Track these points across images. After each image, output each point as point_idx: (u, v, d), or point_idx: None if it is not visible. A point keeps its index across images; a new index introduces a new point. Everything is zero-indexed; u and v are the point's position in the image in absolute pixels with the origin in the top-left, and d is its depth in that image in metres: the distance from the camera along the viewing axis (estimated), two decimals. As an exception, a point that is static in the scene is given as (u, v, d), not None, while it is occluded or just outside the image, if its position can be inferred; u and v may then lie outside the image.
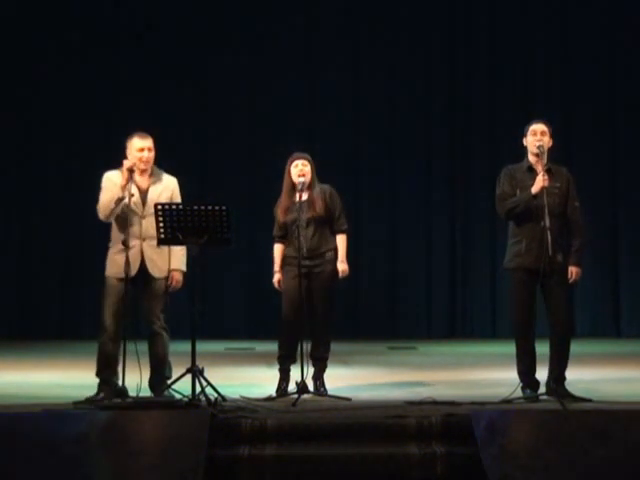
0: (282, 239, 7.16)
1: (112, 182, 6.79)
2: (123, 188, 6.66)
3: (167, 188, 6.89)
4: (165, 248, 6.76)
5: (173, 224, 6.49)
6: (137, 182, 6.76)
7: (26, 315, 12.01)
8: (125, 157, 6.83)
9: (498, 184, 6.90)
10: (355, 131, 12.32)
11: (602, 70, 12.25)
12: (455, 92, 12.39)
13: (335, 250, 7.11)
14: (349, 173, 12.12)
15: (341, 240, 7.14)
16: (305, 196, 7.08)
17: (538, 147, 6.75)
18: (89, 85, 12.13)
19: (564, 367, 6.72)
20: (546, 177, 6.60)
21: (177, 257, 6.84)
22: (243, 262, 11.85)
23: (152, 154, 6.81)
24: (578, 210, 6.85)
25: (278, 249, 7.18)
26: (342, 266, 7.10)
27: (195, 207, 6.54)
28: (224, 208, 6.52)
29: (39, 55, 12.12)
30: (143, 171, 6.80)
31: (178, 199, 6.92)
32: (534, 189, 6.63)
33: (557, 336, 6.69)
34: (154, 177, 6.87)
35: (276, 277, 7.14)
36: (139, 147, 6.79)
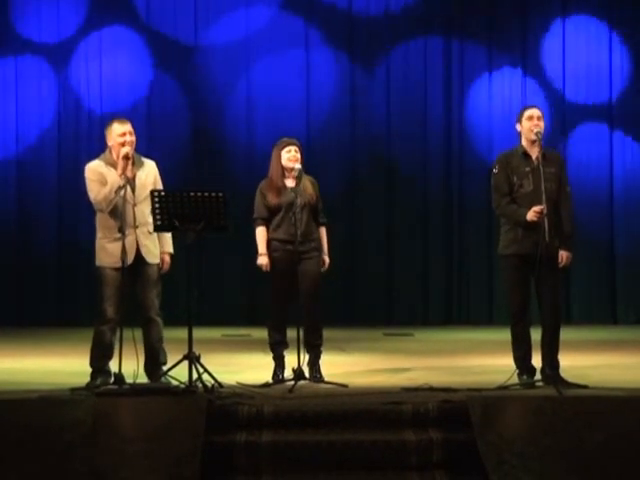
0: (266, 221, 7.14)
1: (98, 173, 6.78)
2: (121, 176, 6.66)
3: (150, 173, 6.91)
4: (155, 234, 6.79)
5: (169, 210, 6.49)
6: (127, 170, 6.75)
7: (23, 302, 11.99)
8: (105, 146, 6.83)
9: (493, 174, 6.90)
10: (351, 119, 12.28)
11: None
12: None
13: (318, 240, 7.13)
14: (346, 160, 12.10)
15: (324, 233, 7.19)
16: (296, 182, 7.07)
17: (536, 133, 6.74)
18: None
19: (557, 352, 6.74)
20: (540, 209, 6.55)
21: (166, 240, 6.91)
22: (241, 248, 11.82)
23: (134, 138, 6.80)
24: (569, 196, 6.87)
25: (263, 231, 7.12)
26: (326, 259, 7.16)
27: (192, 193, 6.54)
28: (220, 194, 6.52)
29: None
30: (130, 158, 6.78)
31: (159, 182, 6.96)
32: (528, 216, 6.61)
33: (550, 322, 6.71)
34: (137, 163, 6.86)
35: (264, 259, 7.11)
36: (120, 132, 6.77)
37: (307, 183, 7.14)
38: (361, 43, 12.19)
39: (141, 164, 6.87)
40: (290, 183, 7.07)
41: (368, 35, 12.17)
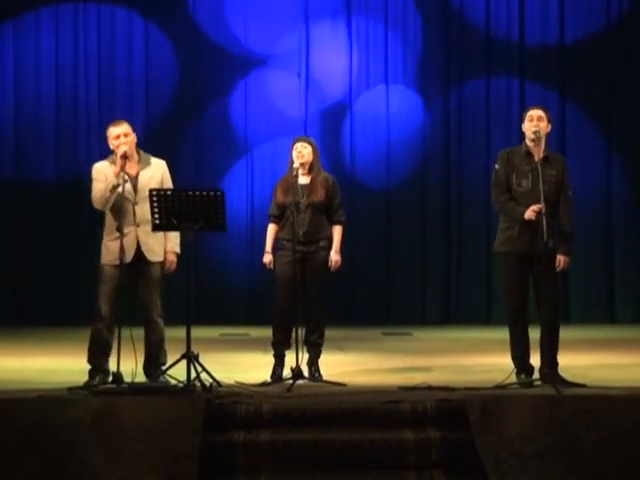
0: (277, 219, 7.15)
1: (102, 173, 6.79)
2: (117, 175, 6.66)
3: (156, 172, 6.88)
4: (161, 232, 6.77)
5: (168, 209, 6.49)
6: (126, 169, 6.75)
7: (22, 301, 11.98)
8: (110, 147, 6.86)
9: (494, 169, 6.92)
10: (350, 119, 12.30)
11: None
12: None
13: (329, 239, 7.12)
14: (343, 162, 12.10)
15: (338, 231, 7.15)
16: (306, 180, 7.08)
17: (534, 132, 6.75)
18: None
19: (556, 352, 6.74)
20: (539, 208, 6.56)
21: (171, 239, 6.86)
22: (241, 247, 11.83)
23: (130, 138, 6.78)
24: (571, 200, 6.87)
25: (272, 229, 7.16)
26: (336, 256, 7.12)
27: (190, 192, 6.55)
28: (219, 193, 6.53)
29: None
30: (129, 157, 6.77)
31: (169, 181, 6.92)
32: (526, 215, 6.62)
33: (548, 320, 6.71)
34: (142, 162, 6.86)
35: (267, 257, 7.13)
36: (114, 135, 6.78)
37: (319, 181, 7.11)
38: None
39: (148, 163, 6.87)
40: (301, 181, 7.07)
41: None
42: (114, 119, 7.04)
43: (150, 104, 12.08)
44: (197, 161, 12.05)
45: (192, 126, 12.13)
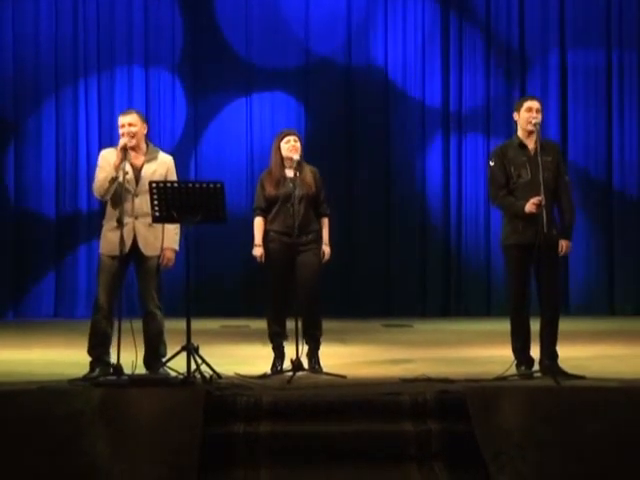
0: (264, 212, 7.14)
1: (107, 160, 6.79)
2: (116, 167, 6.66)
3: (161, 166, 6.86)
4: (159, 226, 6.75)
5: (168, 202, 6.48)
6: (131, 160, 6.75)
7: (21, 294, 11.99)
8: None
9: (489, 166, 6.92)
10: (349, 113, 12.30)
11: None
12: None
13: (319, 231, 7.13)
14: (342, 152, 12.11)
15: (325, 223, 7.19)
16: (294, 173, 7.07)
17: (534, 124, 6.76)
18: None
19: (555, 343, 6.76)
20: (539, 200, 6.56)
21: (169, 235, 6.83)
22: (240, 238, 11.82)
23: (135, 129, 6.77)
24: (568, 185, 6.88)
25: (260, 222, 7.13)
26: (327, 249, 7.15)
27: (190, 185, 6.54)
28: (219, 185, 6.52)
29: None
30: (135, 148, 6.77)
31: (174, 178, 6.90)
32: (527, 208, 6.62)
33: (549, 312, 6.74)
34: (149, 155, 6.85)
35: (259, 250, 7.11)
36: (120, 123, 6.80)
37: (307, 174, 7.12)
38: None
39: (154, 157, 6.86)
40: (290, 174, 7.06)
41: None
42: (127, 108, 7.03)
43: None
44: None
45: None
